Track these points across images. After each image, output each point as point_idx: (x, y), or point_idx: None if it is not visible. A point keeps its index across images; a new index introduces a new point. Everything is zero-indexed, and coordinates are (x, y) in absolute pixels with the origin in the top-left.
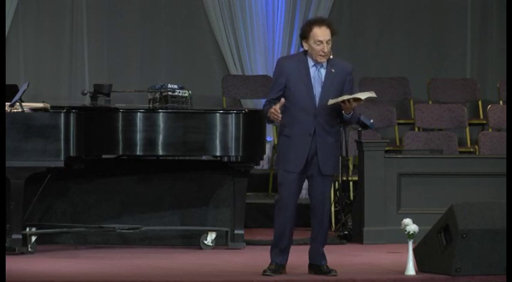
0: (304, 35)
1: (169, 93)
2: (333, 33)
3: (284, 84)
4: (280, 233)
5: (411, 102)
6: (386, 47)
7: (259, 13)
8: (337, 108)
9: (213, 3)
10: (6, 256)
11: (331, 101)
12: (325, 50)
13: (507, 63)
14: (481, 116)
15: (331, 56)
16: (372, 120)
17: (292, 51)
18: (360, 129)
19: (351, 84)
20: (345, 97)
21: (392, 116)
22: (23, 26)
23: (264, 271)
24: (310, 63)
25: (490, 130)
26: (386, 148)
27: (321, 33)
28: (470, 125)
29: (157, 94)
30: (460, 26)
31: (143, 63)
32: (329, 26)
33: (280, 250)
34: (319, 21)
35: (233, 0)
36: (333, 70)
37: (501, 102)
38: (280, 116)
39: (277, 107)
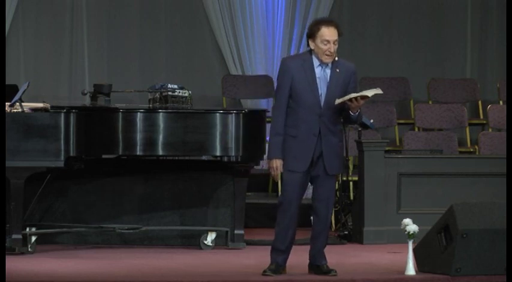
0: (312, 34)
1: (169, 93)
2: (339, 34)
3: (289, 85)
4: (283, 234)
5: (411, 102)
6: (386, 47)
7: (259, 13)
8: (342, 107)
9: (213, 3)
10: (6, 256)
11: (338, 100)
12: (332, 50)
13: (507, 63)
14: (481, 116)
15: (336, 58)
16: (372, 121)
17: (292, 51)
18: (360, 129)
19: (355, 84)
20: (353, 95)
21: (392, 116)
22: (23, 26)
23: (264, 271)
24: (316, 63)
25: (490, 130)
26: (387, 148)
27: (329, 33)
28: (470, 125)
29: (157, 94)
30: (460, 26)
31: (143, 63)
32: (336, 26)
33: (281, 250)
34: (327, 21)
35: (233, 0)
36: (337, 70)
37: (501, 102)
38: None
39: (280, 170)
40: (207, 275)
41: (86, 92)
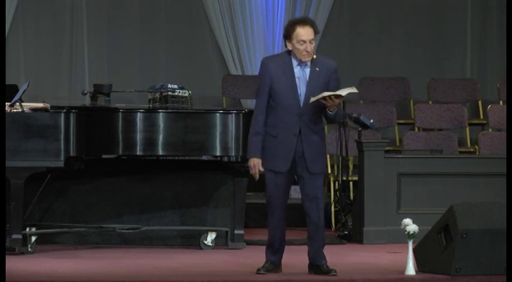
0: (288, 35)
1: (169, 93)
2: (315, 33)
3: (269, 85)
4: (273, 233)
5: (411, 102)
6: (386, 47)
7: (259, 13)
8: (322, 106)
9: (213, 3)
10: (6, 256)
11: (312, 99)
12: (309, 50)
13: (507, 63)
14: (481, 116)
15: (315, 56)
16: (371, 120)
17: None
18: (360, 129)
19: (336, 83)
20: (326, 94)
21: (392, 116)
22: (23, 26)
23: (258, 269)
24: (295, 63)
25: (490, 130)
26: (386, 148)
27: (304, 33)
28: (470, 125)
29: (157, 94)
30: (460, 26)
31: (143, 63)
32: (312, 25)
33: (274, 250)
34: (302, 21)
35: (233, 0)
36: (317, 69)
37: (501, 102)
38: (258, 177)
39: (259, 169)
40: (207, 275)
41: (86, 92)
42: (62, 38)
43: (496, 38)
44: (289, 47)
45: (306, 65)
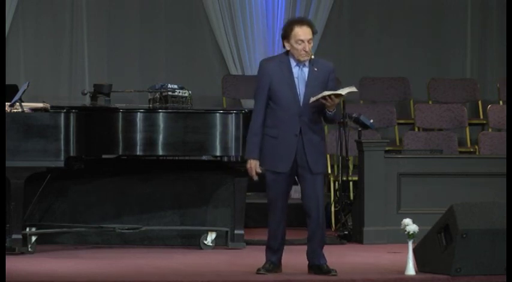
0: (286, 35)
1: (169, 93)
2: (313, 33)
3: (268, 86)
4: (273, 233)
5: (411, 102)
6: (386, 47)
7: (259, 13)
8: (321, 106)
9: (213, 3)
10: (6, 256)
11: (312, 99)
12: (307, 49)
13: (507, 63)
14: (481, 116)
15: (313, 56)
16: (371, 120)
17: None
18: (360, 129)
19: (334, 83)
20: (326, 93)
21: (392, 116)
22: (23, 26)
23: (258, 269)
24: (293, 63)
25: (490, 130)
26: (387, 148)
27: (302, 33)
28: (470, 125)
29: (157, 94)
30: (460, 26)
31: (143, 63)
32: (309, 25)
33: (274, 250)
34: (299, 21)
35: (233, 0)
36: (315, 69)
37: (501, 102)
38: (256, 177)
39: (256, 171)
40: (207, 275)
41: (86, 92)
42: (62, 38)
43: (496, 38)
44: (287, 47)
45: (304, 65)
